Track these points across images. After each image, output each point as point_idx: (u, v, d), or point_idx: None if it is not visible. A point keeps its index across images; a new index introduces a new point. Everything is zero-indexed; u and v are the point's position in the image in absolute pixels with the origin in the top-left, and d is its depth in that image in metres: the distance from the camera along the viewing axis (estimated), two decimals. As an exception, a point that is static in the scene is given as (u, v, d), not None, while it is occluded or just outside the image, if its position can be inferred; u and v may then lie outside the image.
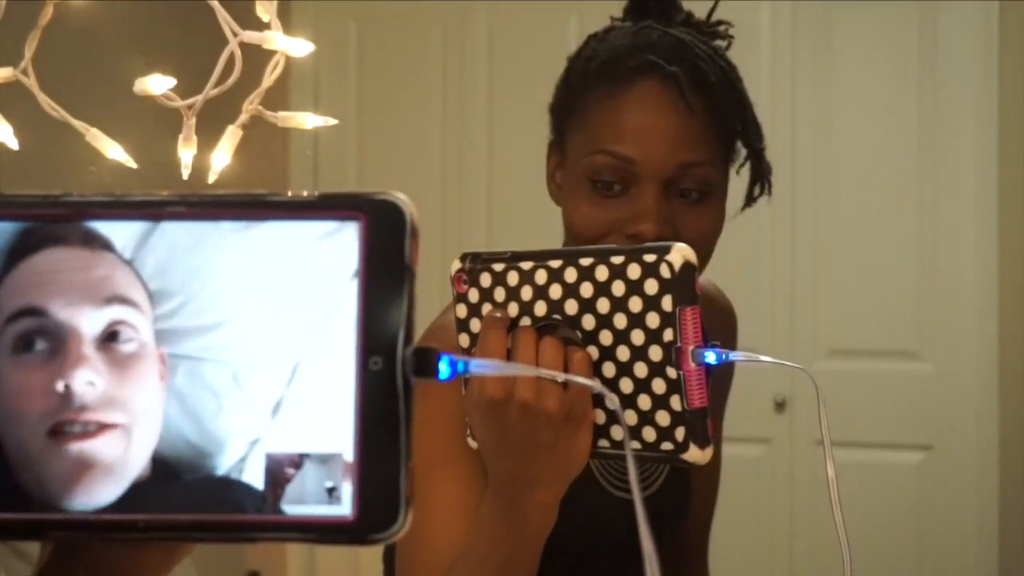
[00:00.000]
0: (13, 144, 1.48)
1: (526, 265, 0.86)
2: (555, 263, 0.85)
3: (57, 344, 0.50)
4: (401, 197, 0.49)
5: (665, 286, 0.80)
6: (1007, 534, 2.91)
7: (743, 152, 1.16)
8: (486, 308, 0.88)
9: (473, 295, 0.89)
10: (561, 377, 0.74)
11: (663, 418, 0.82)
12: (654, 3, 1.16)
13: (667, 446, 0.82)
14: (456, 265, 0.89)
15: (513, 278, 0.87)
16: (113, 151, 1.48)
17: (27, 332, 0.50)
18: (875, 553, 2.94)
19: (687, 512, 1.26)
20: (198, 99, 1.45)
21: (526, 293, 0.86)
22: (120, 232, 0.51)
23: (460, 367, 0.51)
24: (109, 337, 0.51)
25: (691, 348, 0.80)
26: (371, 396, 0.48)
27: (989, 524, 2.92)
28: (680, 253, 0.80)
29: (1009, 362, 2.92)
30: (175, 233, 0.50)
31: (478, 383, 0.86)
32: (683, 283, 0.80)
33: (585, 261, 0.84)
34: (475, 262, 0.89)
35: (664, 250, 0.81)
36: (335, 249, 0.49)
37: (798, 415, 3.05)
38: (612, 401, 0.81)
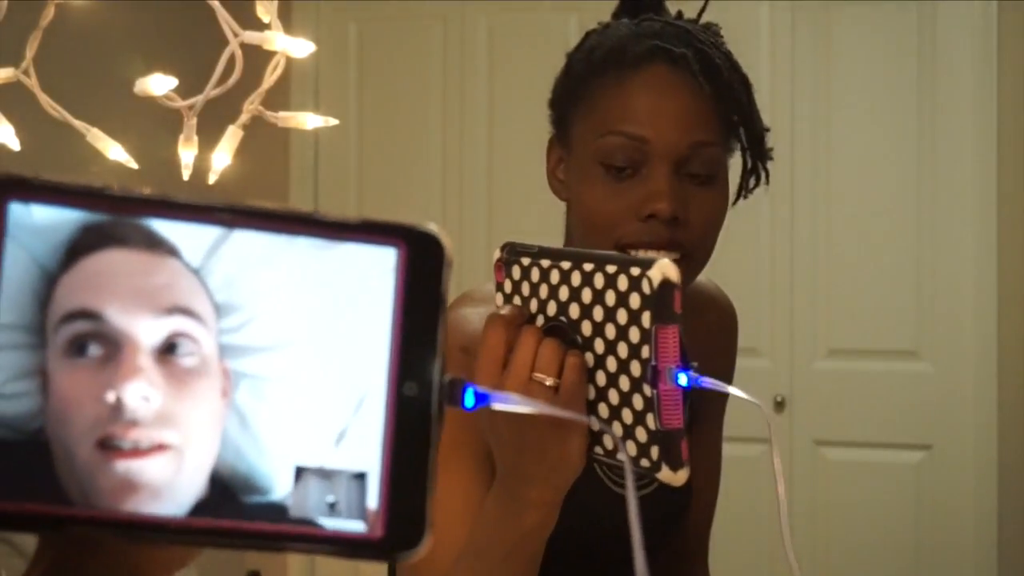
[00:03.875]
0: (14, 144, 1.49)
1: (545, 263, 0.86)
2: (566, 264, 0.85)
3: (112, 351, 0.47)
4: (439, 230, 0.50)
5: (645, 302, 0.78)
6: (1006, 533, 2.92)
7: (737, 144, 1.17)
8: (516, 300, 0.88)
9: (507, 285, 0.89)
10: (547, 410, 0.72)
11: (641, 435, 0.80)
12: (646, 2, 1.18)
13: (644, 463, 0.80)
14: (496, 254, 0.90)
15: (535, 274, 0.87)
16: (114, 151, 1.48)
17: (81, 335, 0.47)
18: (874, 552, 2.94)
19: (688, 508, 1.26)
20: (199, 99, 1.46)
21: (543, 291, 0.86)
22: (188, 239, 0.48)
23: (485, 399, 0.53)
24: (168, 349, 0.48)
25: (667, 368, 0.77)
26: (404, 420, 0.49)
27: (988, 523, 2.93)
28: (660, 270, 0.77)
29: (1008, 362, 2.92)
30: (247, 245, 0.48)
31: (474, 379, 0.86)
32: (661, 301, 0.77)
33: (588, 266, 0.83)
34: (510, 253, 0.89)
35: (647, 264, 0.78)
36: (375, 274, 0.49)
37: (797, 415, 3.05)
38: (593, 424, 0.80)
